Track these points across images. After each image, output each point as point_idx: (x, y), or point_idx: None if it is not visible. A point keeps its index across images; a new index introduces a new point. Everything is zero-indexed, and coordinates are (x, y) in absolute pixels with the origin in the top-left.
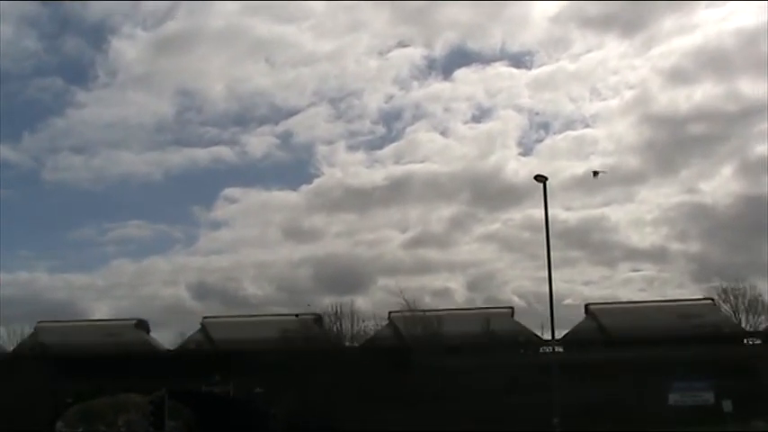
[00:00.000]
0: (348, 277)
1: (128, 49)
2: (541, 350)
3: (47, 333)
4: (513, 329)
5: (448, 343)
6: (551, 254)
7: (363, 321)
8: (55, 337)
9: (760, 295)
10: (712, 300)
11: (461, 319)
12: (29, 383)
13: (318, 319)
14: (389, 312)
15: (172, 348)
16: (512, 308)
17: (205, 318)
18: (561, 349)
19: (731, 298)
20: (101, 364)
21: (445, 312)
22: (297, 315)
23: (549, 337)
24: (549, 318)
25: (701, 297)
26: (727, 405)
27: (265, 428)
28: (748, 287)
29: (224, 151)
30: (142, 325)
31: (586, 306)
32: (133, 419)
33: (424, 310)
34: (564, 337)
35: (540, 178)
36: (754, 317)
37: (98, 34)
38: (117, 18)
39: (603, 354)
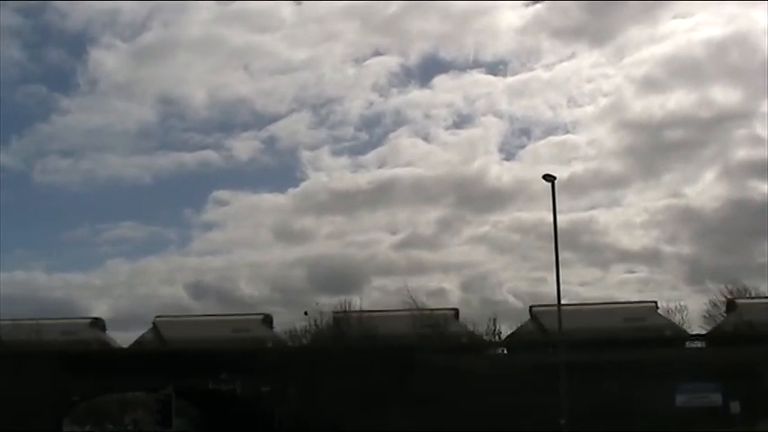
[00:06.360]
0: (342, 278)
1: (107, 58)
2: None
3: (167, 327)
4: (662, 324)
5: (594, 336)
6: (547, 255)
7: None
8: (176, 331)
9: None
10: None
11: (604, 313)
12: (35, 380)
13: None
14: (530, 307)
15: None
16: (655, 302)
17: (336, 313)
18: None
19: None
20: (230, 361)
21: (588, 306)
22: None
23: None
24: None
25: None
26: (735, 406)
27: (271, 427)
28: (750, 288)
29: (210, 155)
30: (267, 320)
31: (729, 300)
32: (140, 417)
33: (566, 304)
34: (708, 333)
35: (549, 177)
36: None
37: (78, 45)
38: (96, 29)
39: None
